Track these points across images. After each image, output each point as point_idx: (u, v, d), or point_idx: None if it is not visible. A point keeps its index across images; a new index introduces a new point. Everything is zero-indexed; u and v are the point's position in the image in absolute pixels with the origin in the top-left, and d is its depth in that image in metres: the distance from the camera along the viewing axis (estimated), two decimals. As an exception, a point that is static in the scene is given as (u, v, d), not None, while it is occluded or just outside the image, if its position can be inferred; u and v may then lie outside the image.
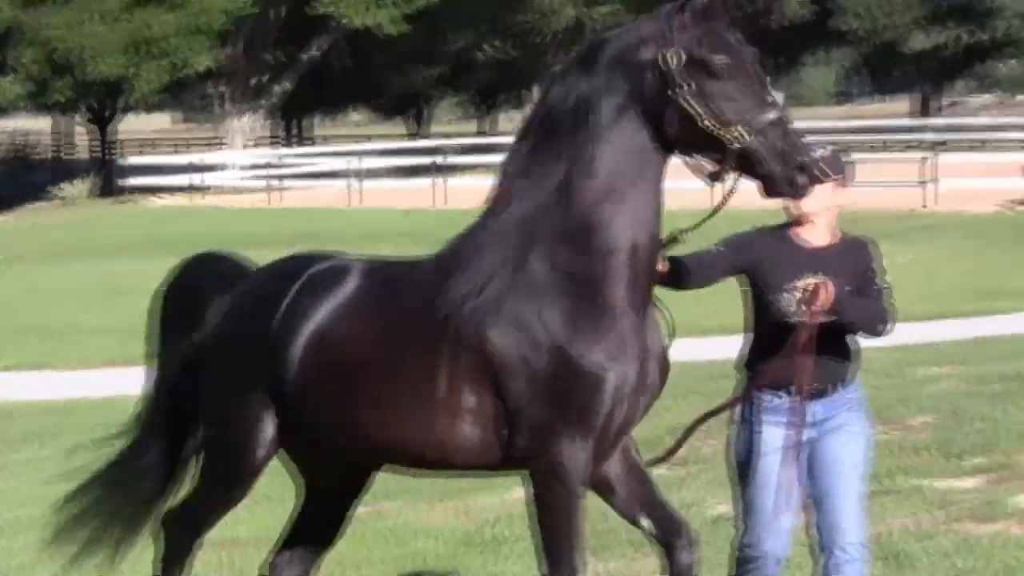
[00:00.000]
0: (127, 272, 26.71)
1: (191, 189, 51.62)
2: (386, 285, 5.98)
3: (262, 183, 50.42)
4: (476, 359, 5.66)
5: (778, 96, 5.87)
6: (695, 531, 5.97)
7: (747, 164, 5.61)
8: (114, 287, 25.33)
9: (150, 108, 74.04)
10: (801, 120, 5.68)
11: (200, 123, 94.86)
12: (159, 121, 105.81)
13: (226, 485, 6.28)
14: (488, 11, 63.85)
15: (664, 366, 5.89)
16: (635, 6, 65.14)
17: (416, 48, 66.17)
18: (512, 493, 10.27)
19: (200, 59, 55.71)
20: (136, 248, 34.15)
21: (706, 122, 5.58)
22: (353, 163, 49.55)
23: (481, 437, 5.73)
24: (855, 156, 5.89)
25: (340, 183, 48.20)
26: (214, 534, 6.60)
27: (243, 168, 54.77)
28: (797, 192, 5.67)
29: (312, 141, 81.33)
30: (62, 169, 67.47)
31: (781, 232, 6.46)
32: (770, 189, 5.65)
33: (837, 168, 6.34)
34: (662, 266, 5.95)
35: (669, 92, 5.61)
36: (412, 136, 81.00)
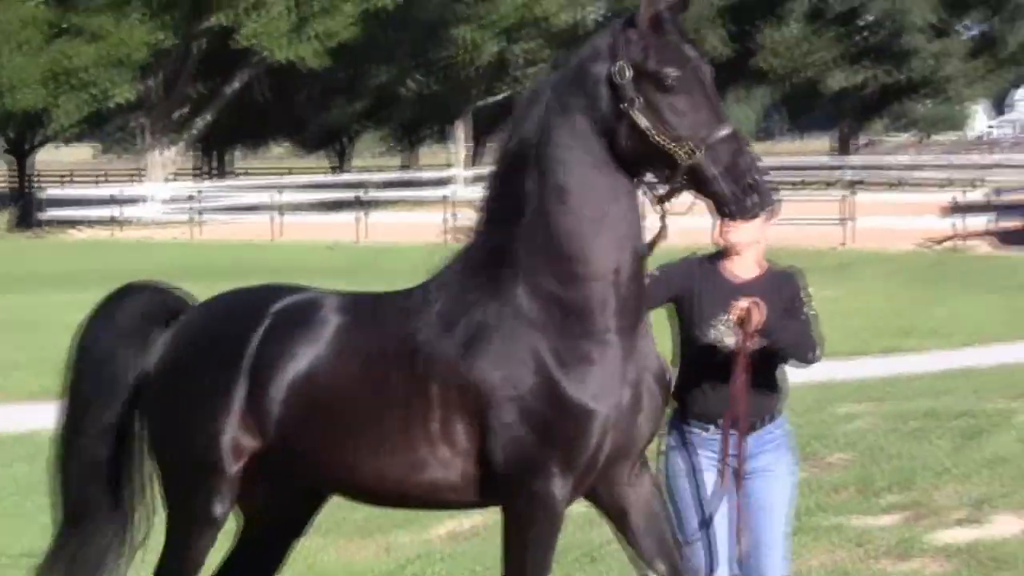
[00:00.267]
0: (46, 305, 26.44)
1: (111, 222, 51.25)
2: (369, 321, 5.82)
3: (183, 216, 50.14)
4: (464, 394, 5.54)
5: None
6: None
7: (697, 182, 5.46)
8: (33, 320, 25.06)
9: (70, 140, 73.39)
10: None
11: (120, 155, 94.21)
12: (80, 153, 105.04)
13: (196, 528, 5.98)
14: (410, 46, 63.95)
15: (664, 383, 5.80)
16: (556, 42, 65.63)
17: (339, 82, 66.19)
18: (433, 530, 10.25)
19: (121, 91, 55.38)
20: (56, 281, 33.76)
21: (657, 137, 5.44)
22: (276, 197, 49.39)
23: (469, 473, 5.61)
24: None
25: (263, 217, 48.02)
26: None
27: (164, 201, 54.46)
28: (746, 213, 5.50)
29: (235, 174, 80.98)
30: (-21, 201, 66.80)
31: (710, 263, 6.50)
32: (719, 209, 5.50)
33: (767, 203, 6.37)
34: None
35: (621, 106, 5.47)
36: (335, 170, 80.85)
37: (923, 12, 65.86)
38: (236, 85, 61.02)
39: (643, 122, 5.44)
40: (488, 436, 5.53)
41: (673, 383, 6.07)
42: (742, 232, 6.31)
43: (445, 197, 46.67)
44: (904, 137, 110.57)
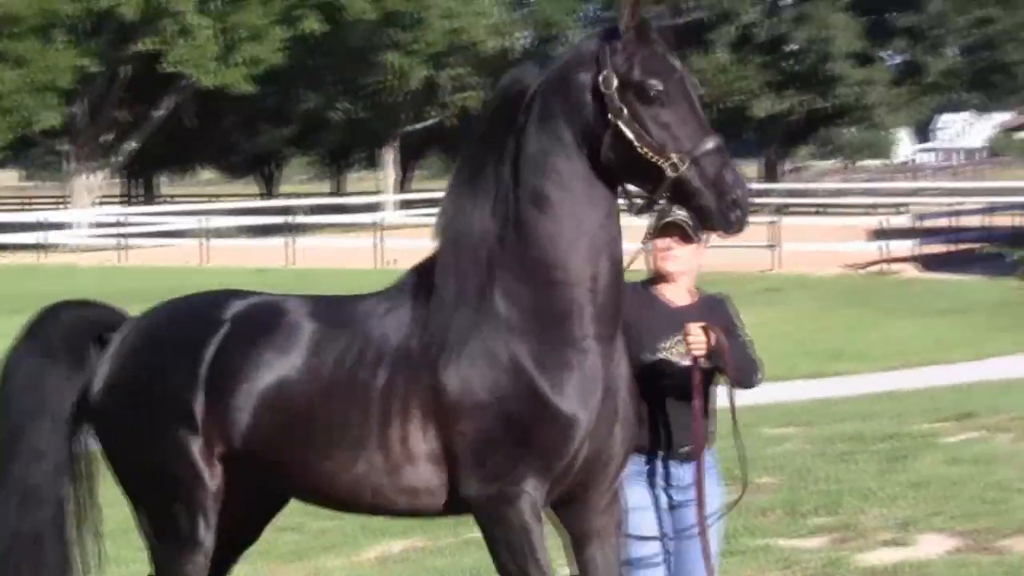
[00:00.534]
0: (-31, 331, 26.16)
1: (37, 248, 50.77)
2: (341, 326, 5.65)
3: (110, 241, 49.78)
4: (441, 398, 5.43)
5: None
6: None
7: (681, 195, 5.40)
8: (-44, 347, 24.80)
9: (-5, 165, 72.90)
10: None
11: (46, 180, 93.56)
12: (5, 178, 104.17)
13: (182, 554, 5.74)
14: (338, 71, 63.92)
15: (636, 397, 5.74)
16: (485, 68, 65.78)
17: (266, 107, 66.03)
18: (363, 554, 10.22)
19: (46, 117, 55.01)
20: (-21, 307, 33.44)
21: (642, 149, 5.35)
22: (204, 221, 49.17)
23: (446, 480, 5.50)
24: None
25: (191, 242, 47.78)
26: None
27: (90, 226, 54.06)
28: (730, 228, 5.40)
29: (164, 200, 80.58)
30: (-98, 226, 66.01)
31: (644, 291, 6.46)
32: (704, 223, 5.47)
33: (690, 228, 6.41)
34: None
35: (608, 116, 5.38)
36: (263, 196, 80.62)
37: (847, 40, 66.46)
38: (163, 110, 60.74)
39: (629, 133, 5.36)
40: (465, 441, 5.43)
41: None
42: (679, 261, 6.33)
43: (375, 222, 46.58)
44: (831, 163, 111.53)
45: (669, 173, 5.33)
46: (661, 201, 5.46)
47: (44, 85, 54.34)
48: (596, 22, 70.07)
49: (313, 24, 56.06)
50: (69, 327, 6.05)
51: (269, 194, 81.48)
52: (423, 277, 5.62)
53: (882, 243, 38.90)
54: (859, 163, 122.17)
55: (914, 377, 19.32)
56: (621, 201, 5.62)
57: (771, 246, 38.58)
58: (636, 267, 6.17)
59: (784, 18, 68.10)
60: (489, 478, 5.41)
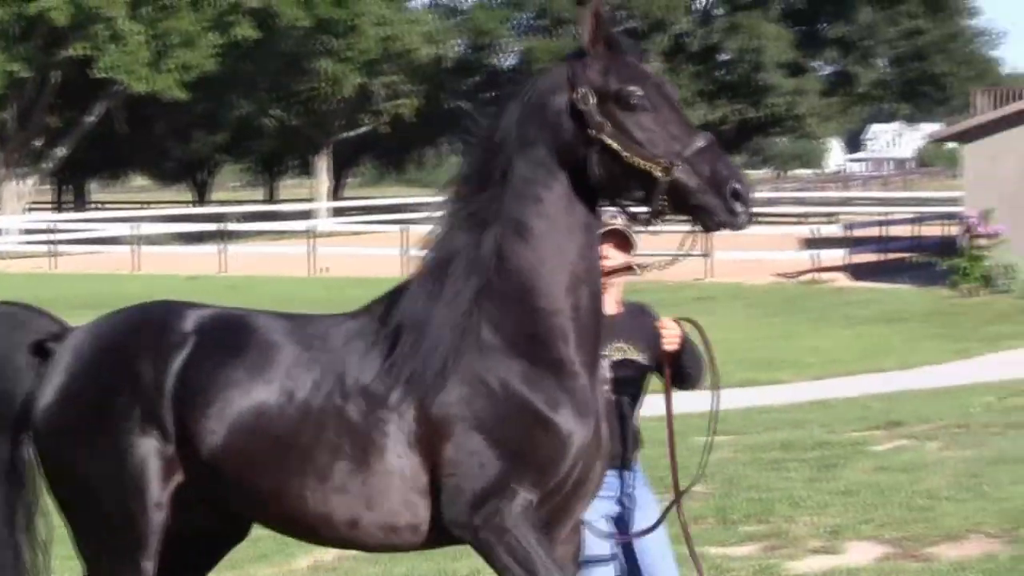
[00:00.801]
0: None
1: (-35, 254, 50.34)
2: (316, 348, 5.49)
3: (40, 248, 49.38)
4: (427, 427, 5.30)
5: None
6: None
7: (678, 197, 5.27)
8: None
9: (-77, 170, 72.08)
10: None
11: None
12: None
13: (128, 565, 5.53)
14: (271, 78, 63.70)
15: (607, 431, 5.66)
16: (418, 75, 65.80)
17: (199, 114, 65.72)
18: (295, 562, 10.20)
19: (-25, 122, 54.57)
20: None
21: (632, 159, 5.26)
22: (135, 228, 48.87)
23: (430, 511, 5.37)
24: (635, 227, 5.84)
25: (122, 248, 47.46)
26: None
27: (20, 233, 53.60)
28: (736, 221, 5.27)
29: (95, 206, 80.00)
30: None
31: None
32: (708, 221, 5.30)
33: (629, 235, 6.43)
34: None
35: (590, 133, 5.30)
36: (195, 203, 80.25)
37: (779, 50, 66.91)
38: (94, 116, 60.35)
39: (615, 145, 5.28)
40: (453, 469, 5.29)
41: None
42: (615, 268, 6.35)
43: (309, 229, 46.47)
44: (763, 172, 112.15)
45: (662, 177, 5.24)
46: (662, 207, 5.32)
47: (-28, 91, 53.92)
48: (529, 31, 70.25)
49: (246, 31, 55.89)
50: (18, 333, 5.84)
51: (201, 201, 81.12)
52: (403, 301, 5.49)
53: (814, 252, 39.16)
54: (792, 172, 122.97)
55: (844, 386, 19.47)
56: (621, 219, 5.64)
57: (704, 255, 38.75)
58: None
59: (716, 28, 68.51)
60: (481, 502, 5.27)
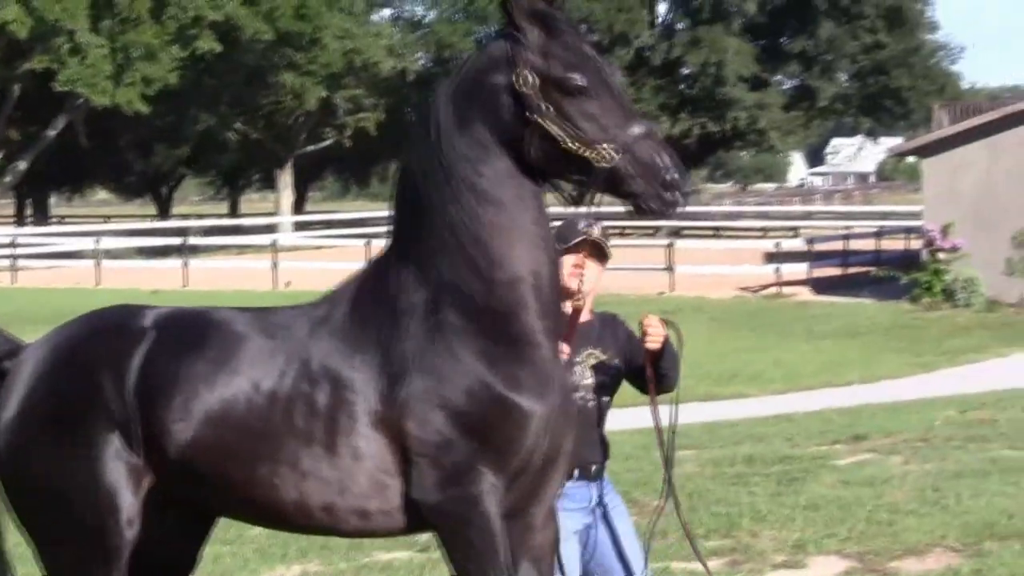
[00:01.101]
0: None
1: (-75, 268, 49.99)
2: (278, 337, 5.47)
3: (1, 263, 49.09)
4: (390, 407, 5.28)
5: None
6: None
7: (614, 183, 5.24)
8: None
9: None
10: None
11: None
12: None
13: None
14: (234, 92, 63.55)
15: (573, 398, 5.68)
16: (380, 90, 65.74)
17: (161, 127, 65.50)
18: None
19: (-65, 135, 54.25)
20: None
21: (570, 144, 5.22)
22: (97, 242, 48.65)
23: (400, 494, 5.34)
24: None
25: (85, 263, 47.28)
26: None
27: (-20, 247, 53.32)
28: (668, 209, 5.25)
29: (57, 220, 79.63)
30: None
31: None
32: (639, 208, 5.27)
33: (604, 247, 6.43)
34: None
35: (528, 115, 5.26)
36: (157, 216, 79.97)
37: (741, 64, 67.15)
38: (55, 130, 60.09)
39: (554, 130, 5.24)
40: (415, 450, 5.28)
41: None
42: (587, 281, 6.33)
43: (273, 243, 46.39)
44: (727, 186, 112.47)
45: (600, 164, 5.21)
46: (598, 192, 5.32)
47: (-67, 103, 53.62)
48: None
49: (208, 44, 55.73)
50: None
51: (164, 215, 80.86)
52: (361, 285, 5.50)
53: (776, 266, 39.30)
54: (756, 186, 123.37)
55: (807, 400, 19.54)
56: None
57: (667, 268, 38.84)
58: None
59: (678, 42, 68.68)
60: (447, 482, 5.26)
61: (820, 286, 38.42)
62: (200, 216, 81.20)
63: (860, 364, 23.79)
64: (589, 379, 6.38)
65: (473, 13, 68.07)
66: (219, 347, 5.45)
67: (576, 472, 6.40)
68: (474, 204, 5.32)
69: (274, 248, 44.81)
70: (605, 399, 6.48)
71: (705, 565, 6.84)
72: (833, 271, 41.07)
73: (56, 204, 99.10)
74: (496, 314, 5.32)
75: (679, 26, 71.36)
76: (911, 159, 76.21)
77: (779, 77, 73.26)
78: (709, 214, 71.28)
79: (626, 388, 6.73)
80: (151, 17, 54.74)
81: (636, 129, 5.24)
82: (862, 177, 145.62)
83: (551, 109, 5.24)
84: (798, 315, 32.65)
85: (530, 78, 5.26)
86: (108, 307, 5.86)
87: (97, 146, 66.39)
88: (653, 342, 6.33)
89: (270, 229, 60.13)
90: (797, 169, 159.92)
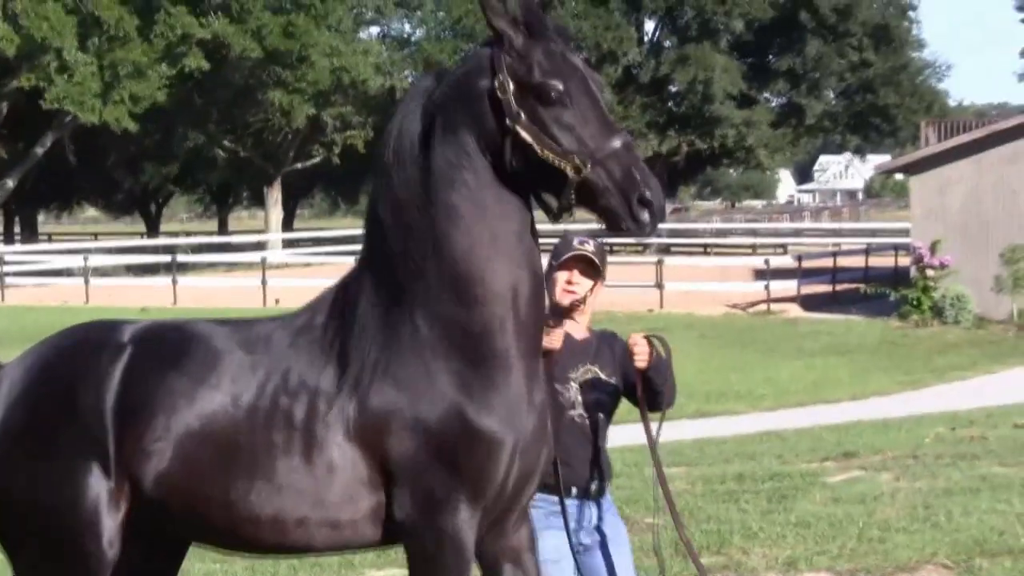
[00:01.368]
0: None
1: (-88, 286, 49.87)
2: (256, 351, 5.38)
3: (-12, 280, 49.04)
4: (364, 424, 5.20)
5: None
6: None
7: (587, 197, 5.13)
8: None
9: None
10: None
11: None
12: None
13: None
14: (222, 110, 63.55)
15: (551, 417, 5.58)
16: (370, 106, 65.74)
17: (149, 145, 65.49)
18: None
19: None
20: None
21: (543, 153, 5.12)
22: (87, 260, 48.59)
23: (372, 509, 5.27)
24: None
25: (74, 280, 47.23)
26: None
27: (-32, 265, 53.22)
28: (643, 229, 5.11)
29: (45, 237, 79.55)
30: None
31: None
32: (611, 224, 5.15)
33: (601, 262, 6.39)
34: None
35: (506, 123, 5.17)
36: (145, 234, 79.90)
37: (728, 82, 67.31)
38: (43, 147, 60.04)
39: (528, 137, 5.14)
40: (391, 468, 5.21)
41: None
42: (579, 297, 6.29)
43: (262, 260, 46.37)
44: (715, 203, 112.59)
45: (572, 176, 5.10)
46: (571, 204, 5.18)
47: (-79, 121, 53.55)
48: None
49: (196, 62, 55.73)
50: None
51: (153, 232, 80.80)
52: (340, 297, 5.41)
53: (765, 283, 39.35)
54: (742, 203, 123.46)
55: (797, 417, 19.55)
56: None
57: (657, 286, 38.86)
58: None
59: (666, 59, 68.83)
60: (422, 504, 5.20)
61: (809, 303, 38.46)
62: (189, 234, 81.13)
63: (850, 381, 23.82)
64: (584, 396, 6.34)
65: (460, 31, 68.15)
66: (198, 362, 5.38)
67: (573, 490, 6.34)
68: (455, 216, 5.23)
69: (263, 265, 44.78)
70: (601, 416, 6.40)
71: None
72: (822, 288, 41.12)
73: (45, 222, 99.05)
74: (470, 333, 5.24)
75: (667, 44, 71.56)
76: (899, 176, 76.33)
77: (766, 95, 73.44)
78: (698, 231, 71.40)
79: (621, 405, 6.71)
80: (139, 35, 54.73)
81: (614, 142, 5.13)
82: (850, 194, 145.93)
83: (525, 116, 5.16)
84: (787, 332, 32.67)
85: (508, 84, 5.18)
86: (85, 323, 5.78)
87: (85, 164, 66.33)
88: (639, 361, 6.30)
89: (259, 247, 60.13)
90: (785, 186, 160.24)
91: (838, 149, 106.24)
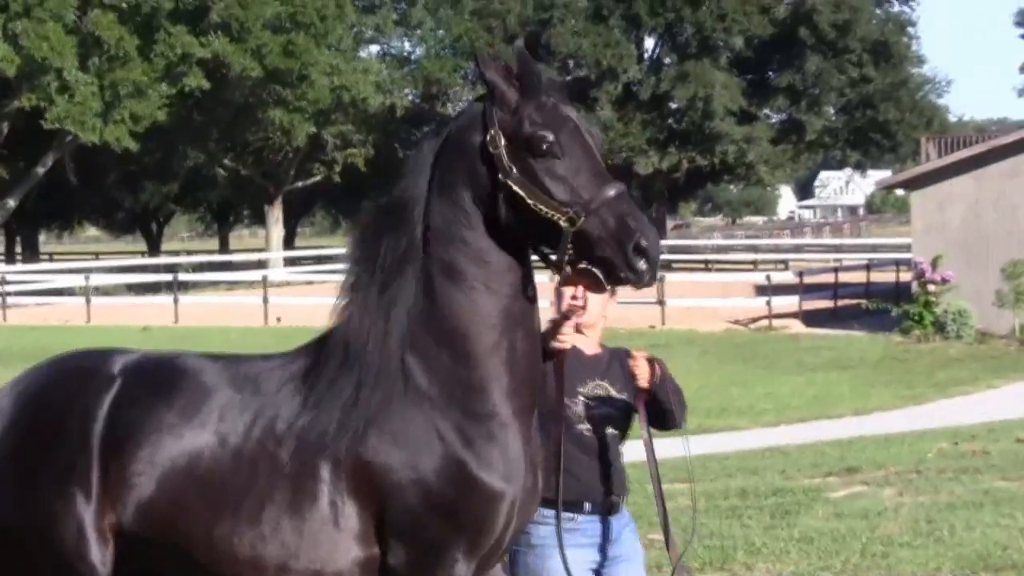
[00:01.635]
0: None
1: (-86, 306, 49.87)
2: (246, 390, 5.34)
3: (-10, 300, 49.05)
4: (359, 475, 5.16)
5: None
6: None
7: (583, 247, 5.08)
8: None
9: None
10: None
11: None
12: None
13: None
14: (222, 128, 63.61)
15: (544, 476, 5.57)
16: (368, 125, 65.81)
17: (150, 164, 65.53)
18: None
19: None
20: None
21: (537, 206, 5.08)
22: (88, 279, 48.62)
23: (361, 560, 5.22)
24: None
25: (76, 300, 47.26)
26: None
27: (-31, 285, 53.24)
28: (640, 278, 5.08)
29: (46, 257, 79.58)
30: None
31: None
32: (608, 274, 5.10)
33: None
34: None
35: (499, 177, 5.14)
36: (146, 253, 79.94)
37: (728, 98, 67.33)
38: (44, 167, 60.07)
39: (520, 191, 5.11)
40: (388, 521, 5.17)
41: None
42: (587, 312, 6.24)
43: (264, 278, 46.37)
44: (716, 219, 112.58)
45: (566, 227, 5.06)
46: (568, 256, 5.13)
47: (-78, 141, 53.59)
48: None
49: (196, 81, 55.77)
50: None
51: (154, 251, 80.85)
52: (335, 343, 5.33)
53: (767, 299, 39.34)
54: (743, 219, 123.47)
55: (799, 432, 19.52)
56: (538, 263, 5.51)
57: (658, 302, 38.84)
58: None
59: (666, 76, 68.88)
60: (421, 558, 5.17)
61: (811, 319, 38.44)
62: (190, 252, 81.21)
63: (852, 396, 23.79)
64: (593, 411, 6.29)
65: (460, 49, 68.21)
66: (187, 398, 5.34)
67: (587, 505, 6.28)
68: (453, 273, 5.21)
69: (264, 284, 44.79)
70: (611, 431, 6.31)
71: None
72: (824, 304, 41.10)
73: (46, 241, 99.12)
74: (467, 388, 5.21)
75: (667, 61, 71.57)
76: (900, 192, 76.38)
77: (767, 111, 73.47)
78: (699, 247, 71.39)
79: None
80: (139, 55, 54.78)
81: (607, 191, 5.08)
82: (851, 210, 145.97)
83: (516, 170, 5.13)
84: (789, 348, 32.65)
85: (500, 138, 5.15)
86: (77, 352, 5.76)
87: (86, 183, 66.38)
88: (641, 381, 6.26)
89: (260, 265, 60.13)
90: (786, 202, 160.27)
91: (838, 165, 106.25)
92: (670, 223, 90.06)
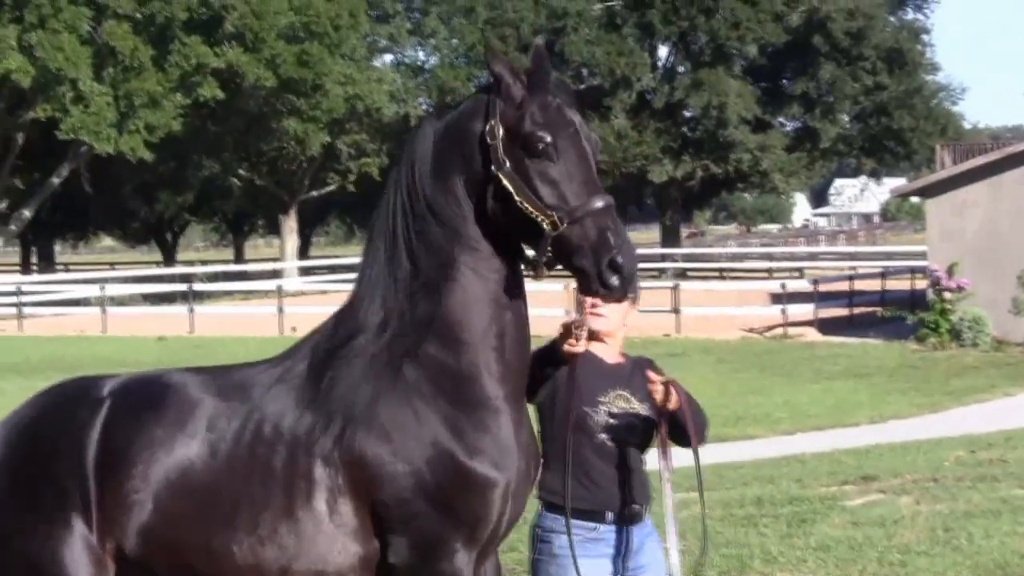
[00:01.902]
0: None
1: (-70, 317, 50.04)
2: (234, 399, 5.36)
3: (7, 311, 49.16)
4: (353, 471, 5.18)
5: None
6: None
7: (561, 253, 5.12)
8: None
9: None
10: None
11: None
12: None
13: None
14: (237, 138, 63.74)
15: (537, 460, 5.61)
16: (382, 135, 65.91)
17: (165, 174, 65.68)
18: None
19: (-60, 184, 54.34)
20: None
21: (522, 203, 5.12)
22: (103, 289, 48.73)
23: (361, 557, 5.25)
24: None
25: (91, 310, 47.36)
26: None
27: (-14, 295, 53.38)
28: (611, 293, 5.14)
29: (64, 268, 79.74)
30: None
31: None
32: (581, 284, 5.16)
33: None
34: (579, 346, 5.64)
35: (491, 168, 5.17)
36: (162, 263, 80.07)
37: (742, 106, 67.28)
38: (60, 177, 60.23)
39: (509, 186, 5.14)
40: (385, 516, 5.20)
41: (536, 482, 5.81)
42: (606, 320, 6.21)
43: (278, 288, 46.41)
44: (730, 227, 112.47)
45: (548, 230, 5.09)
46: (547, 257, 5.16)
47: (-62, 153, 53.75)
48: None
49: (211, 91, 55.91)
50: None
51: (169, 261, 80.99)
52: (322, 341, 5.39)
53: (782, 307, 39.29)
54: (757, 227, 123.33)
55: (815, 440, 19.48)
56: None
57: (674, 311, 38.82)
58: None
59: (680, 84, 68.84)
60: (420, 550, 5.19)
61: (826, 327, 38.39)
62: (205, 262, 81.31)
63: (868, 404, 23.74)
64: (614, 420, 6.25)
65: (474, 58, 68.28)
66: (175, 412, 5.36)
67: (609, 515, 6.21)
68: (442, 257, 5.24)
69: (279, 293, 44.83)
70: (632, 441, 6.29)
71: None
72: (839, 312, 41.04)
73: (61, 252, 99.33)
74: (458, 376, 5.24)
75: (680, 69, 71.53)
76: (915, 199, 76.30)
77: (781, 119, 73.40)
78: (714, 256, 71.35)
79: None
80: (154, 65, 54.94)
81: (595, 202, 5.10)
82: (866, 218, 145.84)
83: (509, 164, 5.16)
84: (805, 356, 32.60)
85: (498, 130, 5.18)
86: (66, 381, 5.81)
87: (101, 193, 66.54)
88: (660, 402, 6.21)
89: (275, 275, 60.22)
90: (801, 210, 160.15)
91: (853, 172, 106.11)
92: (684, 231, 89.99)
